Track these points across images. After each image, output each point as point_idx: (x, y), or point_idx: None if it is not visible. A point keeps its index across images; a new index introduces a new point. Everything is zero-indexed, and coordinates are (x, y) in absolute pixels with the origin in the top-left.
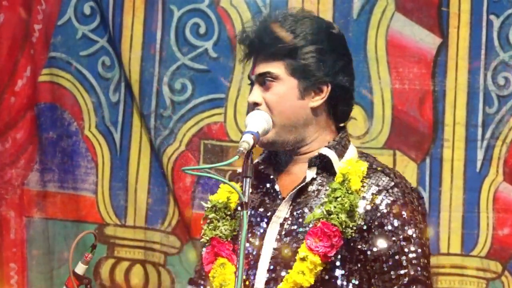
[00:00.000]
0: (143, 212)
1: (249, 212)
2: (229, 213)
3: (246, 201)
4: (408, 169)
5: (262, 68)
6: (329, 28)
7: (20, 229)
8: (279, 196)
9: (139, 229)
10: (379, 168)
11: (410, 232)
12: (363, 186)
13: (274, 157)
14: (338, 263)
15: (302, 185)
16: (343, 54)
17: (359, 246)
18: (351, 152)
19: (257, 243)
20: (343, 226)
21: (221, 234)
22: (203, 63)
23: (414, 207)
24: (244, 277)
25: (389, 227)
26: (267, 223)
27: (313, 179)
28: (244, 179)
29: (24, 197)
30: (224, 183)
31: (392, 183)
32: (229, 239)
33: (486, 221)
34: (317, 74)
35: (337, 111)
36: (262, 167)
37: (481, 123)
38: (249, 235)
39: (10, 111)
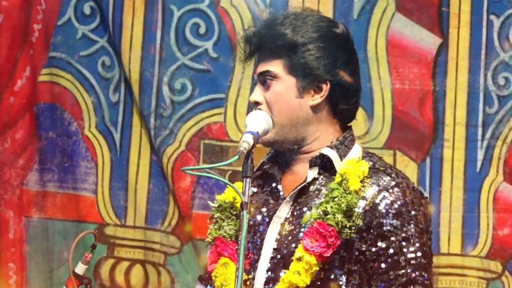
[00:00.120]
0: (143, 212)
1: (252, 212)
2: (234, 213)
3: (246, 201)
4: (408, 169)
5: (262, 67)
6: (331, 27)
7: (19, 229)
8: (281, 196)
9: (139, 229)
10: (381, 168)
11: (409, 232)
12: (363, 186)
13: (280, 156)
14: (337, 263)
15: (302, 185)
16: (345, 52)
17: (358, 246)
18: (355, 152)
19: (258, 243)
20: (339, 226)
21: (225, 234)
22: (203, 63)
23: (415, 206)
24: (245, 277)
25: (388, 227)
26: (268, 223)
27: (315, 179)
28: (244, 179)
29: (23, 197)
30: (224, 183)
31: (393, 183)
32: (233, 239)
33: (486, 221)
34: (316, 72)
35: (340, 110)
36: (266, 166)
37: (481, 123)
38: (251, 235)
39: (9, 111)
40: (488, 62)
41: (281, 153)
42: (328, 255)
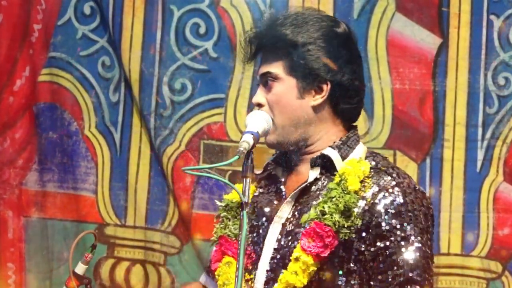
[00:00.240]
0: (143, 212)
1: (256, 212)
2: None
3: (246, 201)
4: (409, 169)
5: (264, 68)
6: (332, 26)
7: (18, 229)
8: (284, 197)
9: (139, 229)
10: (383, 168)
11: (408, 232)
12: (364, 186)
13: (285, 157)
14: (336, 264)
15: (303, 185)
16: (346, 52)
17: (357, 246)
18: (358, 151)
19: (260, 243)
20: (337, 226)
21: (229, 233)
22: (203, 63)
23: (415, 206)
24: (247, 276)
25: (387, 227)
26: (270, 223)
27: (317, 179)
28: (244, 179)
29: (22, 197)
30: (224, 183)
31: (393, 183)
32: (237, 238)
33: (486, 221)
34: (316, 73)
35: (341, 109)
36: (271, 167)
37: (481, 123)
38: (254, 235)
39: (9, 111)
40: (488, 62)
41: (286, 154)
42: (326, 255)
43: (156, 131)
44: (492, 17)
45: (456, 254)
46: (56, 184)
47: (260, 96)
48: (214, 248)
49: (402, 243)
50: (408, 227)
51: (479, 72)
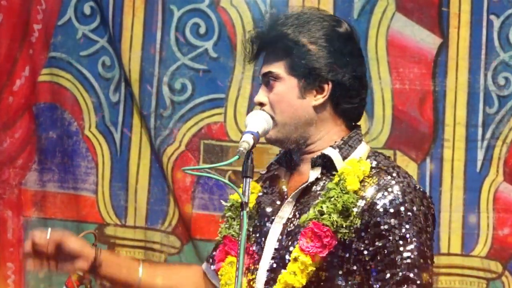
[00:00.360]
0: (143, 212)
1: (259, 212)
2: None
3: (246, 201)
4: (408, 169)
5: (266, 68)
6: (334, 26)
7: (17, 228)
8: (286, 197)
9: (139, 229)
10: (383, 168)
11: (406, 231)
12: (363, 186)
13: (289, 156)
14: (335, 264)
15: (304, 185)
16: (348, 51)
17: (357, 246)
18: (359, 151)
19: (261, 243)
20: (335, 226)
21: (233, 233)
22: (203, 63)
23: (414, 206)
24: (250, 276)
25: (386, 226)
26: (272, 224)
27: (318, 179)
28: (244, 179)
29: (22, 196)
30: (224, 183)
31: (393, 182)
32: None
33: (486, 221)
34: (317, 72)
35: (342, 109)
36: (273, 167)
37: (481, 123)
38: (257, 235)
39: (8, 111)
40: (488, 62)
41: (289, 154)
42: (324, 255)
43: (156, 131)
44: (492, 17)
45: (456, 254)
46: (56, 184)
47: (261, 95)
48: (218, 248)
49: (401, 242)
50: (407, 226)
51: (479, 72)
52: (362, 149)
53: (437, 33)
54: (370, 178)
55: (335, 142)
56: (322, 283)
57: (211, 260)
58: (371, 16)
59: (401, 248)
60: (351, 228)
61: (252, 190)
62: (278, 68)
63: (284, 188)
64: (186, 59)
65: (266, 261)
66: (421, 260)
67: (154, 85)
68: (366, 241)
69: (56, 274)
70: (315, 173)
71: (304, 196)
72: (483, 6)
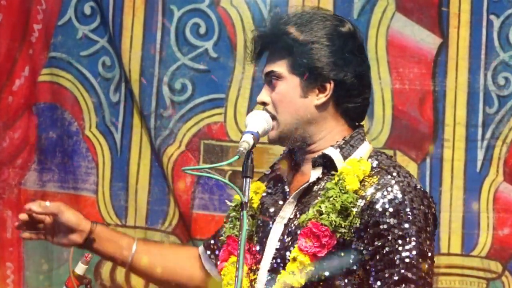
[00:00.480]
0: (143, 212)
1: (262, 212)
2: (250, 213)
3: (246, 201)
4: (408, 169)
5: (268, 67)
6: (336, 25)
7: None
8: (287, 197)
9: (140, 229)
10: (384, 167)
11: (406, 230)
12: (363, 185)
13: (291, 157)
14: (335, 263)
15: (305, 185)
16: (350, 50)
17: (356, 246)
18: (361, 151)
19: (263, 243)
20: (333, 226)
21: (237, 233)
22: (203, 63)
23: (414, 205)
24: (252, 276)
25: (385, 226)
26: (274, 224)
27: (320, 179)
28: (244, 179)
29: (22, 196)
30: (224, 183)
31: (393, 181)
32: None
33: (486, 221)
34: (319, 72)
35: (345, 109)
36: (276, 168)
37: (481, 123)
38: (260, 235)
39: (8, 111)
40: (488, 62)
41: (293, 154)
42: (323, 255)
43: (156, 131)
44: (492, 17)
45: (456, 254)
46: (56, 184)
47: (264, 95)
48: (222, 248)
49: (400, 241)
50: (406, 226)
51: (479, 72)
52: (364, 149)
53: (437, 33)
54: (371, 178)
55: (337, 141)
56: (321, 283)
57: (206, 245)
58: (371, 16)
59: (400, 248)
60: (351, 227)
61: (257, 190)
62: (280, 67)
63: (287, 188)
64: (186, 59)
65: (267, 261)
66: (420, 260)
67: (154, 85)
68: (365, 241)
69: (56, 274)
70: (316, 173)
71: (306, 196)
72: (483, 6)
